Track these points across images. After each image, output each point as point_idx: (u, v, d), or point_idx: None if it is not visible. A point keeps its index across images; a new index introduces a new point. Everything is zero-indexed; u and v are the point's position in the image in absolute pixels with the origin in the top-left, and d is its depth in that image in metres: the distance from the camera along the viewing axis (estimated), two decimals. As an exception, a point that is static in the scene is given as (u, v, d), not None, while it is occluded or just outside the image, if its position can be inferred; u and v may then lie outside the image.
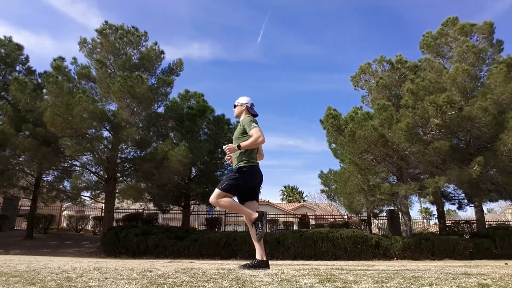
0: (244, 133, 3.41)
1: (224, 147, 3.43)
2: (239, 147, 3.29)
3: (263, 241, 3.38)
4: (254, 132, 3.27)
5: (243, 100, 3.66)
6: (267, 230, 3.25)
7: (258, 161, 3.53)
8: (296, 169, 75.46)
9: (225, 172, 16.47)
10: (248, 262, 3.42)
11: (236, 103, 3.69)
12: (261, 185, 3.62)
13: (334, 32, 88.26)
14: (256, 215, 3.27)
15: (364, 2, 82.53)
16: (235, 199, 3.49)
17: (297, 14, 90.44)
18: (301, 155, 78.11)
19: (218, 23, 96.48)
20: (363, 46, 79.29)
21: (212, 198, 3.32)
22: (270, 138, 74.20)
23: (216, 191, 3.31)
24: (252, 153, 3.43)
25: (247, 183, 3.35)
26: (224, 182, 3.32)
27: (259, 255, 3.31)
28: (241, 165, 3.34)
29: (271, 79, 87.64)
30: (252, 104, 3.66)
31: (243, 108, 3.62)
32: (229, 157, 3.55)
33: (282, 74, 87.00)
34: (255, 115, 3.65)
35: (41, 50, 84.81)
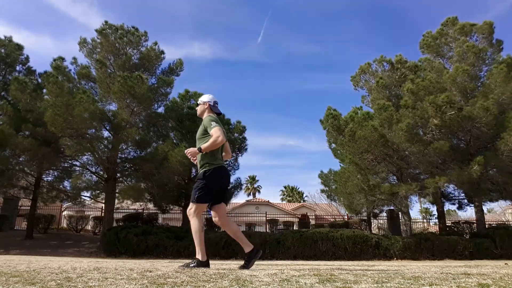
0: (206, 133, 3.28)
1: (185, 151, 3.33)
2: (200, 150, 3.19)
3: (242, 235, 3.36)
4: (213, 132, 3.16)
5: (206, 98, 3.54)
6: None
7: (223, 161, 3.42)
8: (296, 169, 75.57)
9: (229, 173, 16.46)
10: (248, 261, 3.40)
11: (198, 102, 3.59)
12: (229, 186, 3.52)
13: (335, 32, 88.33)
14: (200, 257, 3.24)
15: (365, 1, 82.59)
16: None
17: (298, 13, 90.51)
18: (302, 155, 78.27)
19: (219, 22, 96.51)
20: (364, 46, 79.35)
21: (189, 211, 3.26)
22: (271, 138, 74.20)
23: (191, 204, 3.25)
24: (216, 154, 3.30)
25: (214, 186, 3.25)
26: (194, 194, 3.23)
27: (246, 247, 3.31)
28: (205, 169, 3.25)
29: (272, 79, 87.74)
30: (215, 102, 3.54)
31: (206, 106, 3.50)
32: (194, 159, 3.40)
33: (282, 74, 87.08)
34: (218, 114, 3.54)
35: (41, 49, 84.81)
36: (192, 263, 3.25)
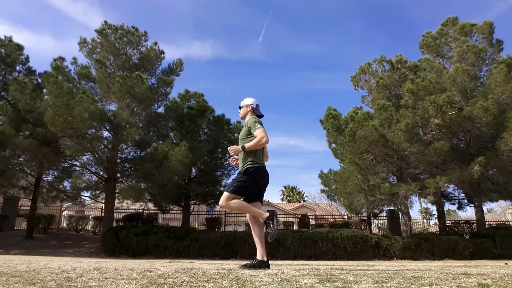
0: (249, 134, 3.41)
1: (228, 148, 3.43)
2: (243, 148, 3.31)
3: (264, 242, 3.38)
4: (258, 133, 3.28)
5: (249, 101, 3.67)
6: (276, 229, 3.24)
7: (264, 162, 3.52)
8: (297, 169, 75.57)
9: (225, 172, 16.46)
10: (248, 262, 3.42)
11: (241, 104, 3.70)
12: (267, 186, 3.60)
13: (336, 31, 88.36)
14: (267, 214, 3.26)
15: (365, 1, 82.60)
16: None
17: (299, 13, 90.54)
18: (303, 154, 78.26)
19: (220, 22, 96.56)
20: (365, 45, 79.39)
21: (221, 202, 3.32)
22: (272, 138, 74.11)
23: (225, 194, 3.31)
24: (258, 154, 3.42)
25: (254, 184, 3.35)
26: (232, 185, 3.32)
27: (260, 255, 3.32)
28: (247, 166, 3.34)
29: (273, 78, 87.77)
30: (257, 105, 3.67)
31: (249, 109, 3.62)
32: (233, 159, 3.53)
33: (283, 73, 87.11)
34: (260, 116, 3.65)
35: (42, 49, 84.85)
36: (268, 222, 3.25)
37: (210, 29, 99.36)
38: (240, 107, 3.70)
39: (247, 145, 3.30)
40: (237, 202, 3.28)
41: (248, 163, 3.35)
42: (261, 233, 3.40)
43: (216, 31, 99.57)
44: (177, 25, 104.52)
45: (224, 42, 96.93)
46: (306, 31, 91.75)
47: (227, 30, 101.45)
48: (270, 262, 3.57)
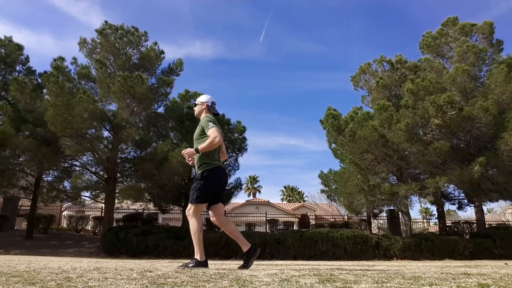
0: (203, 134, 3.30)
1: (182, 152, 3.35)
2: (197, 150, 3.20)
3: (240, 234, 3.37)
4: (211, 132, 3.17)
5: (203, 98, 3.54)
6: (185, 268, 3.25)
7: (220, 161, 3.43)
8: (297, 168, 75.62)
9: (227, 173, 16.45)
10: (245, 262, 3.38)
11: (196, 102, 3.59)
12: (226, 185, 3.55)
13: (337, 31, 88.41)
14: (198, 258, 3.25)
15: (366, 1, 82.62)
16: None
17: (300, 12, 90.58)
18: (303, 154, 78.31)
19: (221, 21, 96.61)
20: (366, 45, 79.44)
21: (188, 212, 3.27)
22: (272, 138, 74.20)
23: (189, 205, 3.26)
24: (213, 154, 3.32)
25: (212, 187, 3.26)
26: (193, 195, 3.24)
27: (244, 246, 3.31)
28: (202, 169, 3.27)
29: (273, 78, 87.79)
30: (212, 103, 3.55)
31: (203, 106, 3.50)
32: (190, 160, 3.41)
33: (284, 73, 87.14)
34: (216, 114, 3.55)
35: (42, 49, 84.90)
36: (190, 263, 3.26)
37: (211, 28, 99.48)
38: (195, 105, 3.59)
39: (200, 147, 3.19)
40: (195, 226, 3.23)
41: (203, 166, 3.27)
42: (232, 227, 3.40)
43: (217, 30, 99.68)
44: (178, 24, 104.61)
45: (225, 41, 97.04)
46: (306, 30, 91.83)
47: (228, 29, 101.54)
48: (270, 262, 3.58)
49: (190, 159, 3.37)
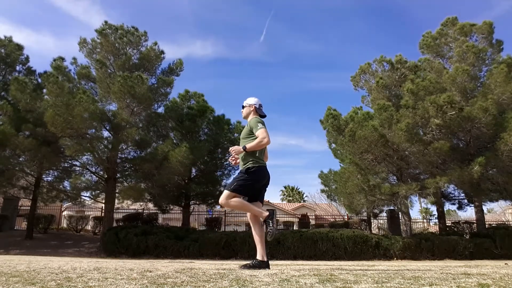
0: (251, 134, 3.40)
1: (230, 149, 3.43)
2: (244, 148, 3.30)
3: (264, 242, 3.38)
4: (259, 133, 3.28)
5: (252, 101, 3.67)
6: (275, 228, 3.25)
7: (265, 162, 3.52)
8: (297, 168, 75.56)
9: (225, 172, 16.45)
10: (248, 262, 3.42)
11: (244, 104, 3.69)
12: (267, 187, 3.60)
13: (337, 31, 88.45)
14: (266, 213, 3.27)
15: (367, 1, 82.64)
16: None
17: (301, 12, 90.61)
18: (303, 154, 78.24)
19: (221, 21, 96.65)
20: (366, 45, 79.42)
21: (221, 199, 3.32)
22: (272, 138, 74.10)
23: (225, 192, 3.30)
24: (259, 154, 3.42)
25: (255, 184, 3.35)
26: (232, 183, 3.32)
27: (260, 255, 3.31)
28: (249, 165, 3.33)
29: (274, 78, 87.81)
30: (260, 105, 3.67)
31: (252, 109, 3.62)
32: (233, 159, 3.51)
33: (285, 73, 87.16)
34: (263, 116, 3.65)
35: (42, 48, 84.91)
36: (268, 219, 3.26)
37: (212, 28, 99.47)
38: (243, 107, 3.70)
39: (248, 145, 3.29)
40: (237, 200, 3.28)
41: (250, 162, 3.34)
42: (261, 233, 3.40)
43: (217, 30, 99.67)
44: (178, 24, 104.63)
45: (226, 41, 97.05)
46: (307, 30, 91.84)
47: (229, 29, 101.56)
48: (270, 262, 3.58)
49: (233, 158, 3.48)
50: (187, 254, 11.01)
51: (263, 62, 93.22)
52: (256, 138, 3.29)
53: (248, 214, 3.44)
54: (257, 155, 3.39)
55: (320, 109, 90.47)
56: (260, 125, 3.34)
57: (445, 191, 15.76)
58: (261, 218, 3.32)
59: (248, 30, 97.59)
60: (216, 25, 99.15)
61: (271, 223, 3.23)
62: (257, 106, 3.63)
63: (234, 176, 3.44)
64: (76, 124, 11.80)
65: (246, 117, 3.67)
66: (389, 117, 12.10)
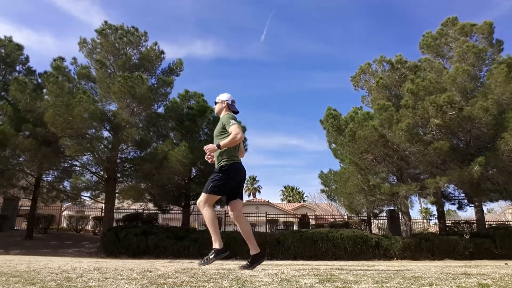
0: (224, 131, 3.37)
1: (204, 147, 3.39)
2: (218, 146, 3.26)
3: (252, 235, 3.36)
4: (232, 129, 3.23)
5: (224, 97, 3.62)
6: (208, 263, 3.24)
7: (239, 158, 3.49)
8: (297, 168, 75.55)
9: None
10: (246, 262, 3.41)
11: (216, 100, 3.65)
12: (245, 182, 3.59)
13: (338, 31, 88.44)
14: (218, 246, 3.25)
15: (367, 1, 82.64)
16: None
17: (301, 12, 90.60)
18: (303, 154, 78.26)
19: (222, 21, 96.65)
20: (367, 45, 79.42)
21: (199, 202, 3.31)
22: (272, 138, 74.17)
23: (203, 195, 3.29)
24: (233, 151, 3.38)
25: (230, 181, 3.32)
26: (208, 185, 3.29)
27: (253, 249, 3.32)
28: (222, 163, 3.32)
29: (275, 78, 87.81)
30: (233, 101, 3.62)
31: (224, 105, 3.58)
32: (209, 157, 3.48)
33: (285, 73, 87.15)
34: (236, 112, 3.62)
35: (42, 48, 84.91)
36: (211, 254, 3.27)
37: (212, 28, 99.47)
38: (216, 103, 3.66)
39: (222, 143, 3.25)
40: (210, 212, 3.26)
41: (223, 160, 3.33)
42: (247, 227, 3.40)
43: (218, 30, 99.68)
44: (179, 23, 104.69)
45: (226, 41, 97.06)
46: (307, 30, 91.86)
47: (229, 29, 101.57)
48: (270, 262, 3.58)
49: (209, 156, 3.43)
50: (187, 254, 11.00)
51: (263, 62, 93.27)
52: (230, 134, 3.25)
53: (230, 214, 3.41)
54: (231, 152, 3.36)
55: (320, 109, 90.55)
56: (232, 121, 3.30)
57: (445, 191, 15.76)
58: (213, 244, 3.28)
59: (249, 30, 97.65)
60: (217, 25, 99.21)
61: (211, 256, 3.22)
62: (230, 102, 3.59)
63: (209, 177, 3.41)
64: (76, 124, 11.80)
65: (218, 113, 3.63)
66: (389, 117, 12.10)
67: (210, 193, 3.26)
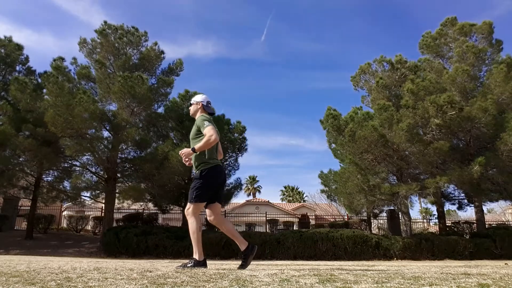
0: (199, 133, 3.30)
1: (180, 152, 3.33)
2: (194, 150, 3.19)
3: (237, 234, 3.35)
4: (206, 131, 3.16)
5: (199, 98, 3.55)
6: (186, 270, 3.25)
7: (218, 160, 3.42)
8: (298, 168, 75.56)
9: (225, 172, 16.45)
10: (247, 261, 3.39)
11: (192, 101, 3.59)
12: (225, 185, 3.53)
13: (338, 30, 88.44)
14: (198, 258, 3.25)
15: (368, 1, 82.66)
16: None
17: (301, 12, 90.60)
18: (304, 154, 78.23)
19: (222, 20, 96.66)
20: (367, 45, 79.43)
21: (187, 211, 3.28)
22: (272, 138, 74.18)
23: (189, 204, 3.26)
24: (210, 153, 3.31)
25: (211, 186, 3.27)
26: (192, 194, 3.24)
27: (242, 245, 3.30)
28: (201, 168, 3.27)
29: (275, 78, 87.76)
30: (208, 102, 3.55)
31: (199, 106, 3.51)
32: (187, 160, 3.36)
33: (285, 73, 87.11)
34: (211, 114, 3.55)
35: (42, 48, 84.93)
36: (189, 263, 3.26)
37: (213, 27, 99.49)
38: (191, 104, 3.60)
39: (197, 146, 3.18)
40: (195, 225, 3.23)
41: (201, 165, 3.27)
42: (230, 226, 3.40)
43: (218, 29, 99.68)
44: (179, 23, 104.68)
45: (226, 41, 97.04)
46: (308, 30, 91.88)
47: (230, 28, 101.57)
48: (270, 262, 3.58)
49: (187, 159, 3.33)
50: (187, 254, 10.99)
51: (263, 62, 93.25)
52: (204, 137, 3.19)
53: (210, 219, 3.36)
54: (208, 154, 3.30)
55: (320, 109, 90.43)
56: (206, 123, 3.22)
57: (445, 191, 15.77)
58: (193, 255, 3.28)
59: (249, 30, 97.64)
60: (217, 25, 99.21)
61: (189, 265, 3.19)
62: (205, 104, 3.51)
63: (191, 185, 3.32)
64: (76, 124, 11.80)
65: (193, 115, 3.55)
66: (389, 117, 12.11)
67: (196, 202, 3.22)
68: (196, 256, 3.27)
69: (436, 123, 11.77)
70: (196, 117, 3.47)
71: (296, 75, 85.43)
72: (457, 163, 12.20)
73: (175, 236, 11.76)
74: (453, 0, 75.51)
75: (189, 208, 3.27)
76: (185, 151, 3.26)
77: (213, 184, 3.28)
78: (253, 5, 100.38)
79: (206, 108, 3.52)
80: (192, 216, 3.25)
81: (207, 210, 3.37)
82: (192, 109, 3.57)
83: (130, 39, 14.79)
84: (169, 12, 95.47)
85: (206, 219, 17.95)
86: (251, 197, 44.50)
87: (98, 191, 14.33)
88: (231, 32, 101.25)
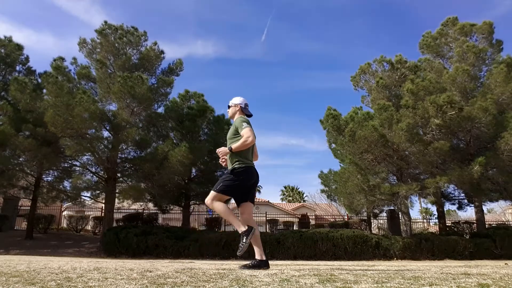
0: (237, 134, 3.39)
1: (217, 150, 3.42)
2: (230, 149, 3.28)
3: (260, 241, 3.37)
4: (244, 132, 3.26)
5: (237, 100, 3.65)
6: (246, 246, 3.21)
7: (253, 162, 3.49)
8: (298, 168, 75.48)
9: (225, 172, 16.45)
10: (248, 262, 3.42)
11: (230, 104, 3.68)
12: (257, 186, 3.57)
13: (338, 30, 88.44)
14: (244, 228, 3.20)
15: (368, 1, 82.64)
16: (232, 200, 3.43)
17: (302, 11, 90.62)
18: (304, 154, 78.18)
19: (223, 20, 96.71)
20: (367, 45, 79.42)
21: (207, 200, 3.31)
22: (273, 137, 74.15)
23: (211, 193, 3.30)
24: (246, 154, 3.39)
25: (242, 184, 3.32)
26: (219, 184, 3.30)
27: (258, 254, 3.31)
28: (235, 166, 3.32)
29: (275, 77, 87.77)
30: (246, 105, 3.65)
31: (237, 108, 3.61)
32: (223, 160, 3.49)
33: (286, 72, 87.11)
34: (249, 115, 3.64)
35: (42, 48, 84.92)
36: (242, 238, 3.18)
37: (213, 27, 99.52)
38: (229, 106, 3.68)
39: (233, 146, 3.27)
40: (222, 205, 3.27)
41: (236, 163, 3.33)
42: (256, 232, 3.38)
43: (218, 29, 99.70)
44: (179, 23, 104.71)
45: (227, 40, 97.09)
46: (308, 30, 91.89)
47: (230, 28, 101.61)
48: (270, 262, 3.57)
49: (223, 158, 3.44)
50: (187, 254, 11.00)
51: (264, 62, 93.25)
52: (242, 137, 3.27)
53: (240, 217, 3.41)
54: (243, 155, 3.36)
55: (320, 109, 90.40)
56: (245, 124, 3.32)
57: (445, 191, 15.76)
58: (238, 231, 3.26)
59: (249, 30, 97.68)
60: (217, 25, 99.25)
61: (245, 239, 3.17)
62: (243, 106, 3.62)
63: (221, 177, 3.41)
64: (76, 124, 11.80)
65: (232, 117, 3.65)
66: (389, 117, 12.10)
67: (220, 192, 3.27)
68: (241, 228, 3.22)
69: (436, 123, 11.76)
70: (235, 119, 3.56)
71: (296, 75, 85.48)
72: (457, 163, 12.19)
73: (175, 236, 11.76)
74: (453, 0, 75.54)
75: (210, 196, 3.30)
76: (222, 149, 3.36)
77: (243, 184, 3.33)
78: (254, 5, 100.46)
79: (244, 110, 3.63)
80: (212, 202, 3.27)
81: (239, 209, 3.44)
82: (230, 111, 3.67)
83: (130, 39, 14.79)
84: (169, 12, 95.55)
85: (206, 218, 18.10)
86: (251, 197, 44.43)
87: (98, 191, 14.33)
88: (231, 32, 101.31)
